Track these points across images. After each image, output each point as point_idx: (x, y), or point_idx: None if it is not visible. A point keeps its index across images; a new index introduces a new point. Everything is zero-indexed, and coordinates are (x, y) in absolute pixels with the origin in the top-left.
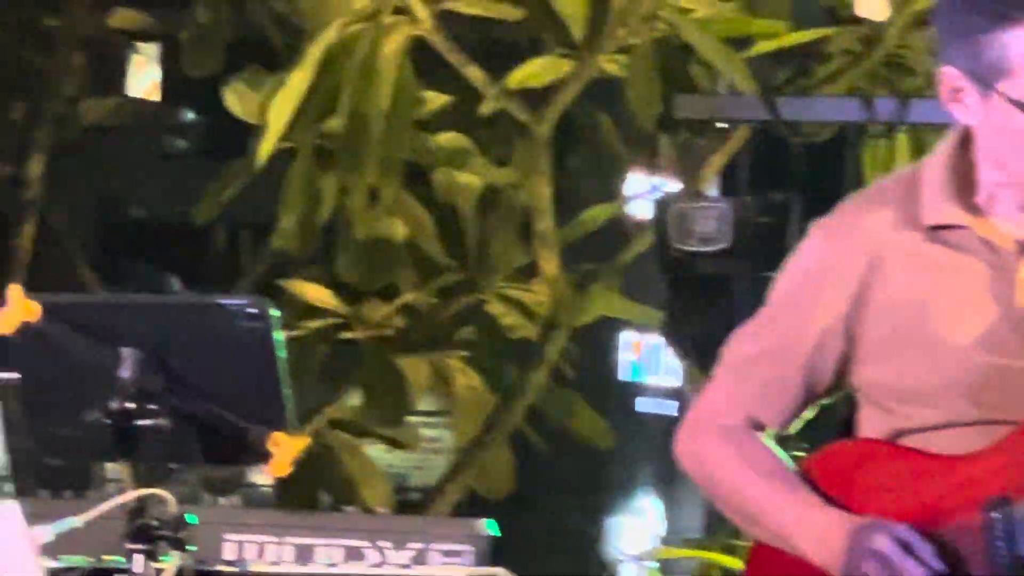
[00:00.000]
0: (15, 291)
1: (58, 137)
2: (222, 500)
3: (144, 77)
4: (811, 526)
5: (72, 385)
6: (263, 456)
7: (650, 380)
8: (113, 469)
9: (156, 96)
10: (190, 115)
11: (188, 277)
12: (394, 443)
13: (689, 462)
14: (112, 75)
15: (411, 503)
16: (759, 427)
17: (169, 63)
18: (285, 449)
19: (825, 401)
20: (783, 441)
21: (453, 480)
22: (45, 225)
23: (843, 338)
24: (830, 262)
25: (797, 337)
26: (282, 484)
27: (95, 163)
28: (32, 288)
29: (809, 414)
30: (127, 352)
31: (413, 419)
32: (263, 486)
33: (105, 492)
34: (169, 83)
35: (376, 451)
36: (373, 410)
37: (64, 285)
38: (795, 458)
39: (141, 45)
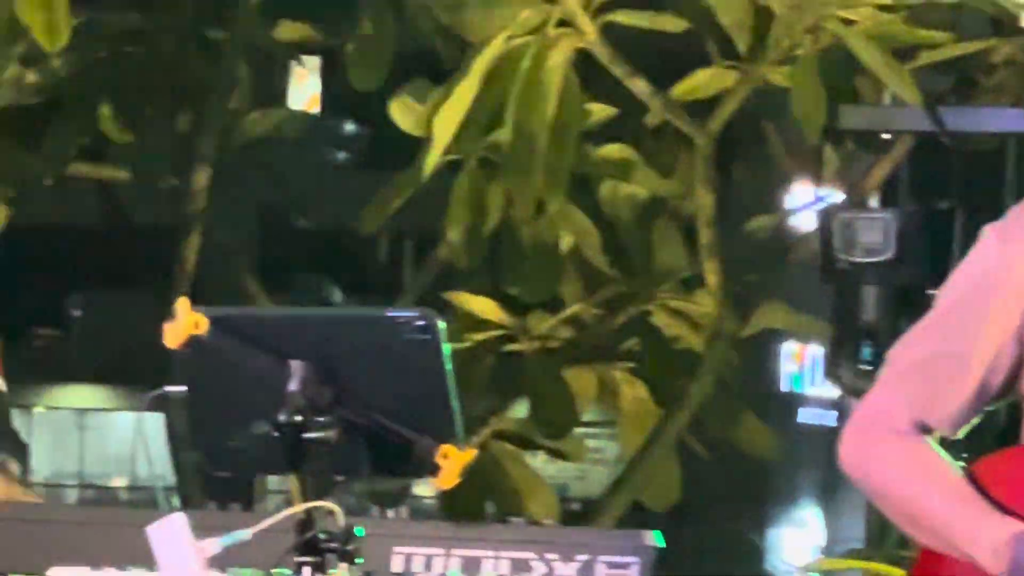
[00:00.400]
0: (183, 304)
1: (222, 149)
2: (390, 512)
3: (305, 89)
4: (987, 537)
5: (240, 398)
6: (431, 468)
7: (811, 391)
8: (277, 482)
9: (316, 108)
10: (351, 127)
11: (350, 288)
12: (560, 454)
13: (855, 466)
14: (274, 87)
15: (572, 514)
16: (926, 431)
17: (329, 75)
18: (453, 461)
19: (990, 408)
20: (945, 447)
21: (619, 491)
22: (210, 237)
23: (1018, 343)
24: (1005, 265)
25: (969, 341)
26: (448, 496)
27: (258, 175)
28: (198, 301)
29: (976, 420)
30: (295, 365)
31: (577, 430)
32: (426, 498)
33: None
34: (329, 95)
35: (537, 462)
36: (539, 421)
37: (229, 298)
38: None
39: (302, 57)
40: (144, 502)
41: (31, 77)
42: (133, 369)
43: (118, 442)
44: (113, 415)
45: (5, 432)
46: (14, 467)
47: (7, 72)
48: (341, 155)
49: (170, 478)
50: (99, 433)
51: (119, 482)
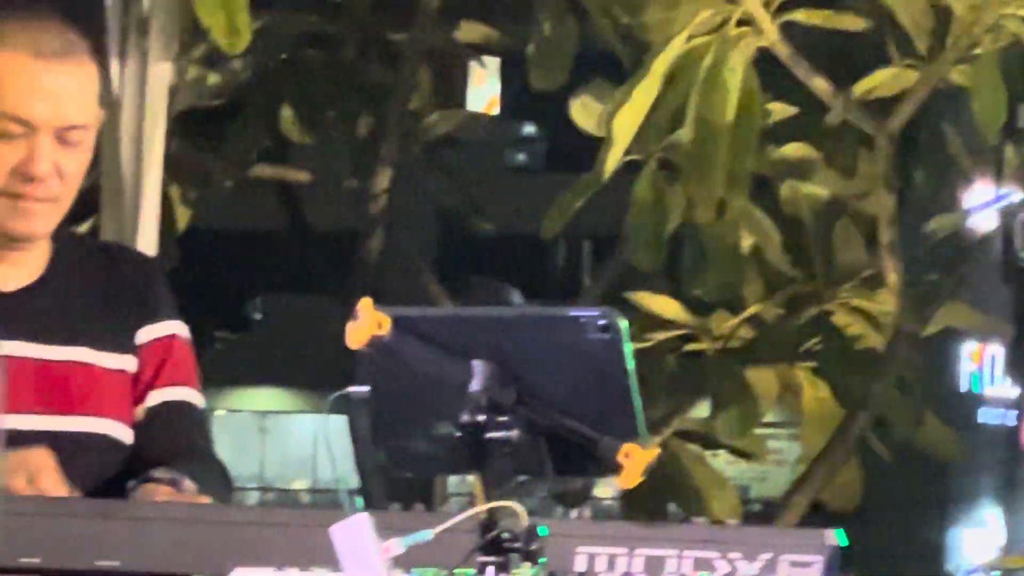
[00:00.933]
0: (365, 305)
1: (403, 151)
2: (572, 512)
3: (484, 91)
4: None
5: (422, 398)
6: (614, 467)
7: (990, 390)
8: (456, 483)
9: (495, 110)
10: (529, 129)
11: (527, 290)
12: (742, 454)
13: None
14: (453, 89)
15: (753, 515)
16: None
17: (507, 76)
18: (636, 461)
19: None
20: None
21: (801, 491)
22: (391, 239)
23: None
24: None
25: None
26: (629, 496)
27: (438, 177)
28: (379, 302)
29: None
30: (478, 365)
31: (757, 431)
32: (605, 499)
33: (449, 506)
34: (507, 96)
35: (718, 463)
36: (721, 421)
37: (411, 299)
38: None
39: (482, 59)
40: (325, 504)
41: (212, 79)
42: (313, 371)
43: (299, 445)
44: (293, 418)
45: (211, 463)
46: (189, 485)
47: (189, 74)
48: (519, 157)
49: (352, 480)
50: (280, 436)
51: (300, 484)
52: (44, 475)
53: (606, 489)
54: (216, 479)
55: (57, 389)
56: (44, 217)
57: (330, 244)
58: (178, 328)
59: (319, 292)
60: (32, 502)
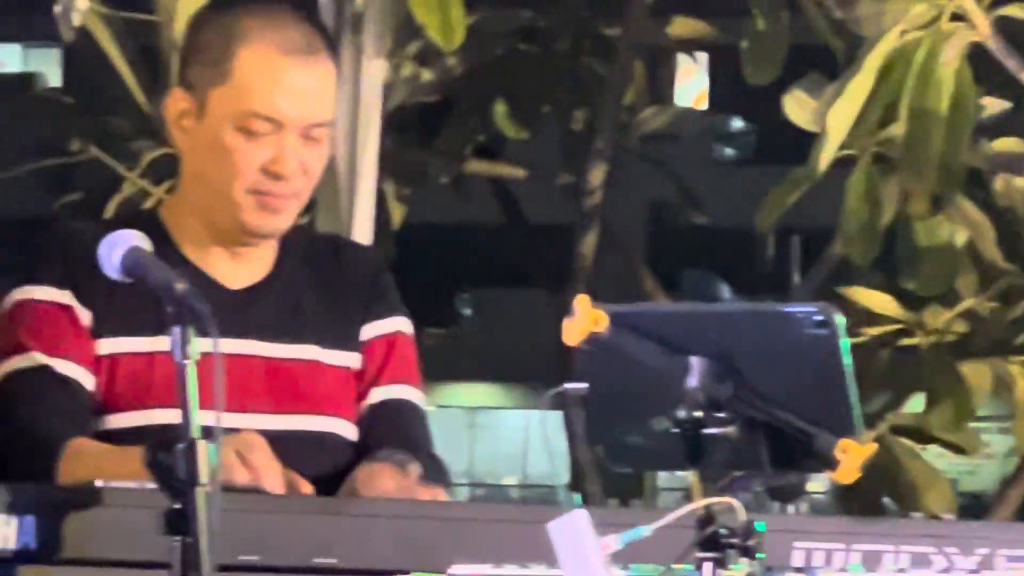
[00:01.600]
0: (582, 301)
1: (617, 146)
2: (790, 508)
3: (692, 85)
4: None
5: (639, 394)
6: (831, 463)
7: None
8: (665, 479)
9: (703, 104)
10: (738, 122)
11: (737, 283)
12: (956, 448)
13: None
14: (663, 84)
15: (963, 508)
16: None
17: (716, 71)
18: (853, 456)
19: None
20: None
21: (1014, 485)
22: (605, 233)
23: None
24: None
25: None
26: (844, 491)
27: (648, 171)
28: (594, 298)
29: None
30: (695, 360)
31: (971, 424)
32: (816, 493)
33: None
34: (717, 90)
35: (928, 456)
36: (935, 416)
37: (626, 293)
38: None
39: (692, 54)
40: (535, 500)
41: (426, 75)
42: (524, 367)
43: (508, 440)
44: (503, 413)
45: (431, 461)
46: (413, 468)
47: (403, 71)
48: (728, 150)
49: (562, 476)
50: (490, 432)
51: (510, 480)
52: (256, 452)
53: (817, 484)
54: (435, 477)
55: (285, 388)
56: (287, 214)
57: (544, 239)
58: (403, 324)
59: (531, 287)
60: (251, 500)
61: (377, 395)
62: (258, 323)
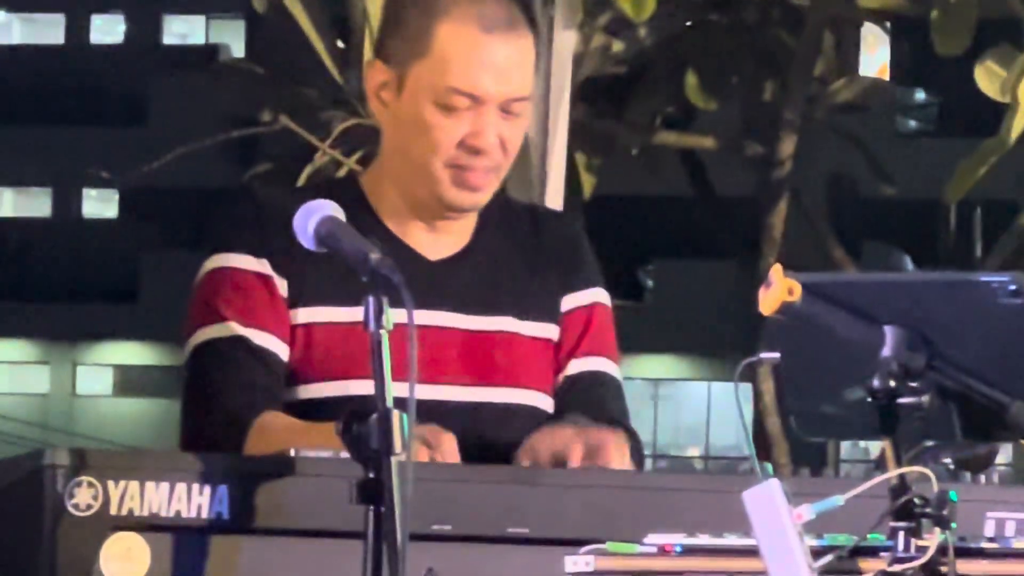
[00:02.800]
0: (777, 271)
1: (807, 117)
2: (982, 478)
3: (875, 57)
4: None
5: (832, 364)
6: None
7: None
8: (847, 449)
9: (885, 75)
10: (921, 94)
11: (920, 255)
12: None
13: None
14: (849, 55)
15: None
16: None
17: (902, 42)
18: None
19: None
20: None
21: None
22: (793, 205)
23: None
24: None
25: None
26: None
27: (835, 143)
28: (784, 268)
29: None
30: (889, 330)
31: None
32: (1000, 465)
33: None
34: (898, 62)
35: None
36: None
37: (814, 264)
38: None
39: (876, 25)
40: (718, 472)
41: (617, 46)
42: (707, 339)
43: (691, 412)
44: (686, 385)
45: (625, 430)
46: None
47: (594, 42)
48: (912, 122)
49: (743, 448)
50: (673, 403)
51: (693, 452)
52: (442, 450)
53: (1000, 456)
54: (632, 453)
55: (482, 360)
56: (486, 189)
57: (731, 210)
58: (601, 296)
59: (717, 258)
60: (444, 469)
61: (574, 367)
62: (456, 294)
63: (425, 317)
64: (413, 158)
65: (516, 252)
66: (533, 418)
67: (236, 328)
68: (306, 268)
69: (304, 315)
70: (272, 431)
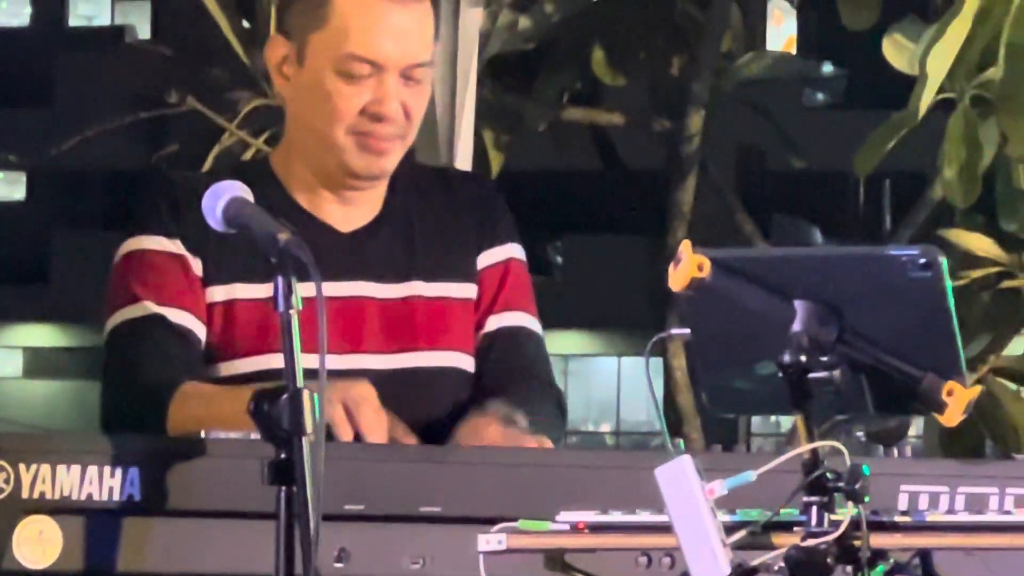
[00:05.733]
0: (686, 247)
1: (715, 91)
2: (894, 452)
3: (782, 30)
4: None
5: (743, 339)
6: (937, 405)
7: None
8: (759, 424)
9: (792, 49)
10: (828, 67)
11: (828, 227)
12: None
13: None
14: (756, 29)
15: None
16: None
17: (805, 15)
18: (959, 398)
19: None
20: None
21: None
22: (705, 178)
23: None
24: None
25: None
26: (944, 435)
27: (741, 116)
28: (694, 243)
29: None
30: (799, 304)
31: None
32: (911, 438)
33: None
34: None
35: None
36: None
37: (723, 239)
38: None
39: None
40: (629, 447)
41: (523, 23)
42: (617, 314)
43: (602, 388)
44: (596, 360)
45: (548, 390)
46: (521, 422)
47: (501, 19)
48: (820, 96)
49: (655, 423)
50: (583, 379)
51: (604, 427)
52: (363, 408)
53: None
54: (551, 409)
55: (402, 326)
56: (391, 154)
57: (639, 185)
58: (516, 251)
59: (626, 234)
60: (356, 449)
61: (492, 323)
62: (371, 264)
63: (342, 289)
64: (317, 128)
65: (429, 215)
66: (457, 380)
67: (152, 307)
68: (222, 246)
69: (221, 293)
70: (195, 398)
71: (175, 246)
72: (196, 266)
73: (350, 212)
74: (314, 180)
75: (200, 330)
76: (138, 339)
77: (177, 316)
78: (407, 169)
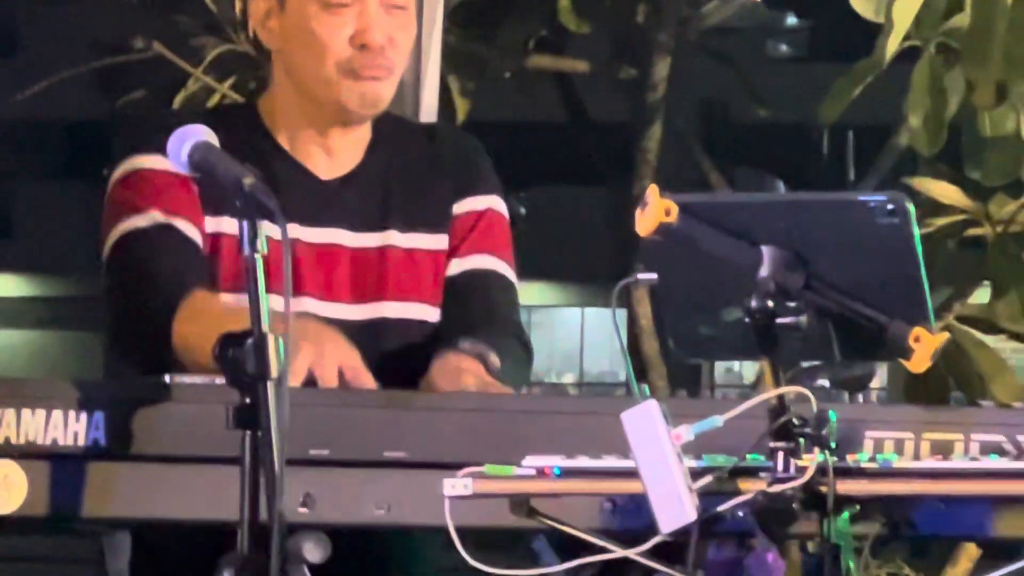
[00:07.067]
0: (653, 192)
1: (679, 40)
2: (860, 398)
3: None
4: None
5: (710, 285)
6: (903, 351)
7: None
8: (722, 373)
9: None
10: (792, 19)
11: (792, 178)
12: (1023, 338)
13: None
14: None
15: None
16: None
17: None
18: (926, 344)
19: None
20: None
21: None
22: (670, 128)
23: None
24: None
25: None
26: (909, 382)
27: (705, 67)
28: (661, 192)
29: None
30: (766, 250)
31: None
32: (875, 389)
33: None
34: None
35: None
36: (1002, 306)
37: (689, 189)
38: None
39: None
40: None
41: None
42: (581, 265)
43: (566, 339)
44: (560, 311)
45: (514, 333)
46: (494, 361)
47: None
48: (783, 46)
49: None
50: (547, 330)
51: (568, 378)
52: (361, 376)
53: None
54: (518, 352)
55: (373, 276)
56: (383, 84)
57: (606, 134)
58: (496, 203)
59: (590, 184)
60: (320, 394)
61: (453, 267)
62: (347, 213)
63: (316, 235)
64: (309, 68)
65: (410, 166)
66: (424, 332)
67: (159, 217)
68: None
69: (213, 224)
70: (205, 310)
71: (176, 166)
72: (195, 190)
73: (332, 161)
74: (302, 125)
75: (203, 247)
76: (146, 249)
77: (185, 227)
78: (392, 122)
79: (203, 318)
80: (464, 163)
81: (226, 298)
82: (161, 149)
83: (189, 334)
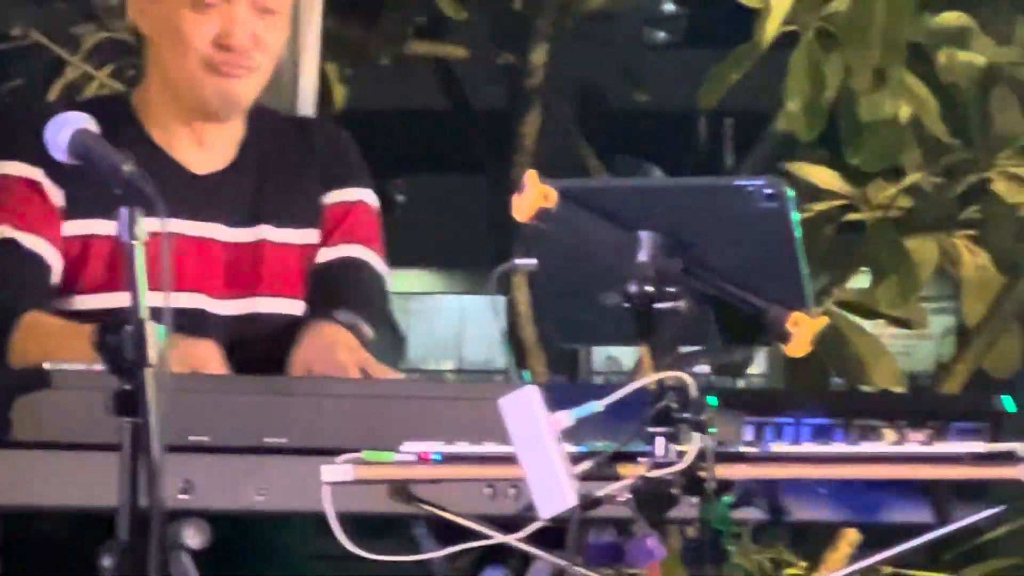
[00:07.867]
0: (532, 177)
1: (556, 27)
2: (740, 383)
3: None
4: None
5: (589, 270)
6: (782, 336)
7: None
8: (600, 360)
9: None
10: (670, 5)
11: (669, 166)
12: (902, 323)
13: None
14: None
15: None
16: None
17: None
18: (805, 329)
19: None
20: None
21: (961, 359)
22: (548, 115)
23: None
24: None
25: None
26: (789, 367)
27: (583, 54)
28: (541, 175)
29: None
30: (644, 235)
31: None
32: (756, 375)
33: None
34: None
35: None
36: (881, 291)
37: (568, 176)
38: None
39: None
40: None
41: None
42: (459, 253)
43: (444, 326)
44: (438, 299)
45: (382, 316)
46: (368, 332)
47: None
48: (659, 33)
49: (498, 361)
50: (425, 318)
51: (446, 366)
52: (209, 367)
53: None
54: (388, 333)
55: (245, 271)
56: (242, 83)
57: (484, 121)
58: (366, 196)
59: (468, 171)
60: (200, 380)
61: (323, 255)
62: (220, 207)
63: (189, 228)
64: (172, 62)
65: (283, 161)
66: (297, 326)
67: (7, 231)
68: (82, 181)
69: (80, 227)
70: (38, 330)
71: (36, 173)
72: (57, 196)
73: (206, 155)
74: (172, 118)
75: (54, 259)
76: None
77: (30, 242)
78: (265, 116)
79: (40, 334)
80: (335, 156)
81: (59, 321)
82: (25, 156)
83: (28, 350)
